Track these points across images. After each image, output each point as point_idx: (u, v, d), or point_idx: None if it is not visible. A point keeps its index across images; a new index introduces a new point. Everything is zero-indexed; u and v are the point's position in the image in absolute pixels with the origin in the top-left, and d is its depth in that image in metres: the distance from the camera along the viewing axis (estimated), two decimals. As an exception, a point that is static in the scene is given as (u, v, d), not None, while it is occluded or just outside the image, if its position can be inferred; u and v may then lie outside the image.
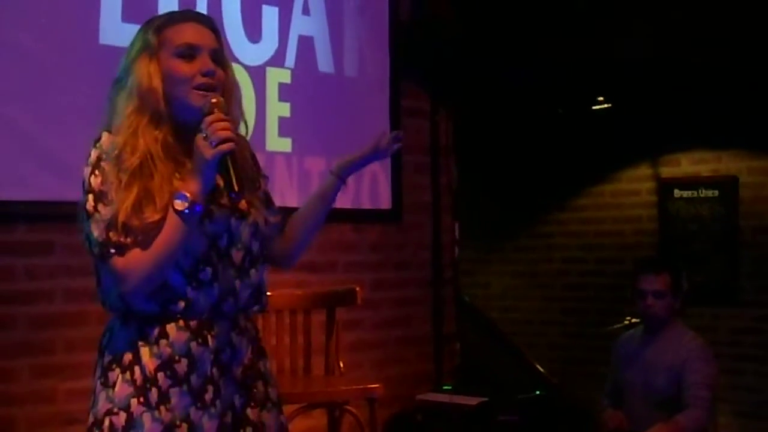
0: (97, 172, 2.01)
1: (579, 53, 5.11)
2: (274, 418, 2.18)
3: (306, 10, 4.45)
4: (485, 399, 4.34)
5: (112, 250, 1.96)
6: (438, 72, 4.90)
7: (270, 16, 4.33)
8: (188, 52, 2.06)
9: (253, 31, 4.26)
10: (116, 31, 3.74)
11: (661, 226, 6.35)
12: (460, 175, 5.14)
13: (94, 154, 2.04)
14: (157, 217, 1.97)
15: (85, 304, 3.68)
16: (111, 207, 1.96)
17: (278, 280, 4.36)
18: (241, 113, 2.18)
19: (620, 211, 6.61)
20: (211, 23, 2.15)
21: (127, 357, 2.04)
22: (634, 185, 6.54)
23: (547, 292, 6.87)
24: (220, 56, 2.11)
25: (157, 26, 2.12)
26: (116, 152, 2.01)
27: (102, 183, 1.99)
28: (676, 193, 6.28)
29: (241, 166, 2.03)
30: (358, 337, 4.60)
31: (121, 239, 1.95)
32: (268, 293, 2.23)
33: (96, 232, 1.97)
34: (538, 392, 4.66)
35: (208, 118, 1.97)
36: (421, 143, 5.03)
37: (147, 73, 2.05)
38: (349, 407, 3.81)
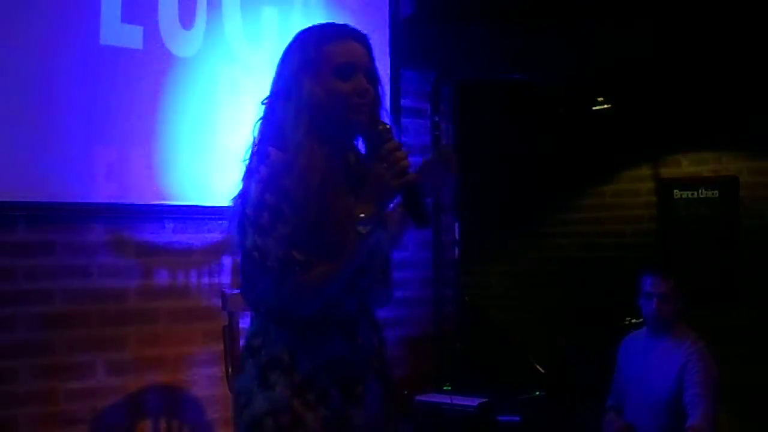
0: (273, 188, 2.03)
1: (579, 53, 5.10)
2: (396, 410, 2.35)
3: (306, 11, 4.45)
4: (486, 399, 4.33)
5: (297, 268, 2.01)
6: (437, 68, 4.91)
7: (269, 16, 4.33)
8: (346, 72, 2.11)
9: (252, 32, 4.26)
10: (116, 31, 3.75)
11: (661, 227, 6.34)
12: (460, 175, 5.14)
13: (265, 170, 2.05)
14: (335, 237, 2.03)
15: (86, 304, 3.68)
16: (290, 224, 2.01)
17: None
18: None
19: (620, 211, 6.61)
20: (366, 41, 2.20)
21: (285, 359, 2.11)
22: (635, 185, 6.54)
23: (548, 292, 6.87)
24: (373, 74, 2.18)
25: (317, 42, 2.15)
26: (297, 171, 2.04)
27: (280, 200, 2.02)
28: (676, 193, 6.27)
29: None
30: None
31: (305, 258, 2.01)
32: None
33: (276, 249, 2.01)
34: (538, 393, 4.66)
35: (388, 146, 2.06)
36: (421, 143, 5.03)
37: (315, 92, 2.09)
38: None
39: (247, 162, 2.12)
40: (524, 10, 4.82)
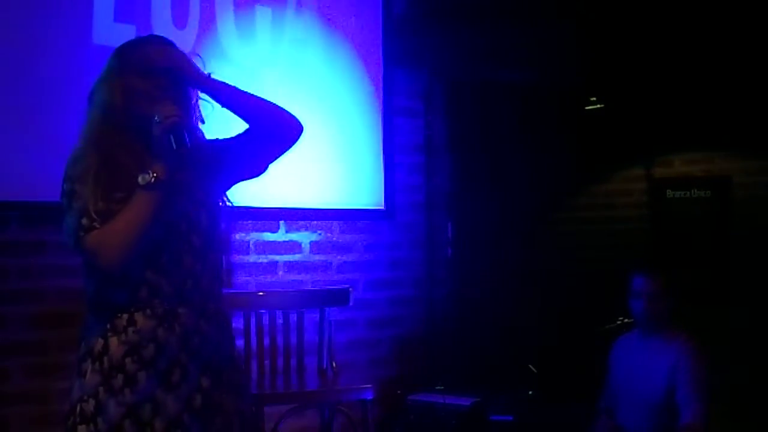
0: (66, 176, 2.27)
1: (572, 53, 5.11)
2: (243, 404, 2.35)
3: (299, 11, 4.46)
4: (478, 399, 4.34)
5: (81, 233, 2.14)
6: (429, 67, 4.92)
7: (263, 16, 4.33)
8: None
9: (245, 32, 4.26)
10: (109, 31, 3.75)
11: (653, 226, 6.35)
12: (453, 174, 5.15)
13: (66, 164, 2.32)
14: (123, 198, 2.17)
15: (78, 303, 3.67)
16: (82, 199, 2.17)
17: (273, 280, 4.37)
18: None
19: (613, 211, 6.62)
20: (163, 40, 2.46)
21: (98, 347, 2.19)
22: (627, 185, 6.55)
23: (540, 292, 6.87)
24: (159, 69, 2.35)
25: (118, 50, 2.40)
26: (81, 156, 2.29)
27: (72, 184, 2.23)
28: (669, 193, 6.28)
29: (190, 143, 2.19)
30: (351, 337, 4.61)
31: (89, 222, 2.14)
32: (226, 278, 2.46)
33: (73, 222, 2.17)
34: (531, 392, 4.66)
35: (157, 106, 2.20)
36: (414, 143, 5.04)
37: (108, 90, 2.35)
38: (341, 407, 3.81)
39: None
40: (517, 10, 4.82)
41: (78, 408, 2.17)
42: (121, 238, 2.13)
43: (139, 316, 2.19)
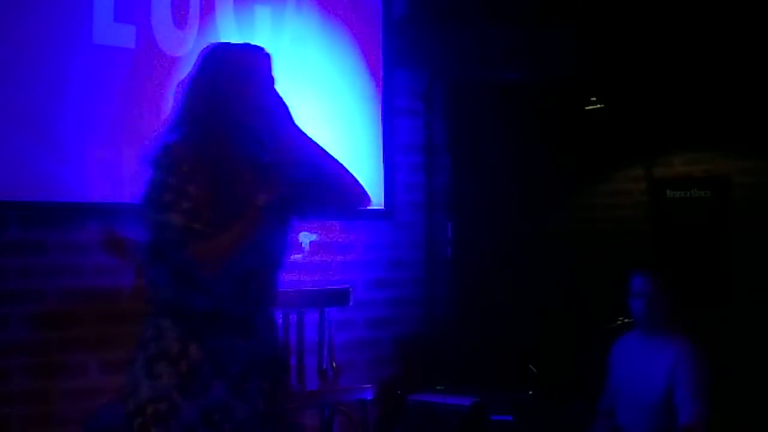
0: (176, 172, 2.22)
1: (572, 52, 5.11)
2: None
3: (299, 11, 4.46)
4: (478, 399, 4.34)
5: (191, 236, 2.15)
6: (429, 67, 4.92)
7: (262, 15, 4.33)
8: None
9: (245, 32, 4.26)
10: (109, 31, 3.75)
11: (653, 226, 6.35)
12: (453, 174, 5.15)
13: (166, 158, 2.25)
14: (234, 215, 2.20)
15: (79, 304, 3.68)
16: (193, 201, 2.17)
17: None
18: None
19: (612, 211, 6.61)
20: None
21: (175, 350, 2.24)
22: (627, 185, 6.54)
23: (540, 292, 6.87)
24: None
25: (226, 58, 2.40)
26: (197, 158, 2.25)
27: (184, 182, 2.19)
28: (669, 193, 6.27)
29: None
30: (351, 337, 4.61)
31: (203, 228, 2.16)
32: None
33: (177, 221, 2.16)
34: (531, 392, 4.66)
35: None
36: (414, 143, 5.03)
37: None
38: (341, 407, 3.81)
39: (147, 156, 2.28)
40: (518, 10, 4.83)
41: (149, 409, 2.21)
42: (231, 251, 2.18)
43: (218, 323, 2.26)
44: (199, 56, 2.38)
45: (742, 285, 5.86)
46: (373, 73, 4.81)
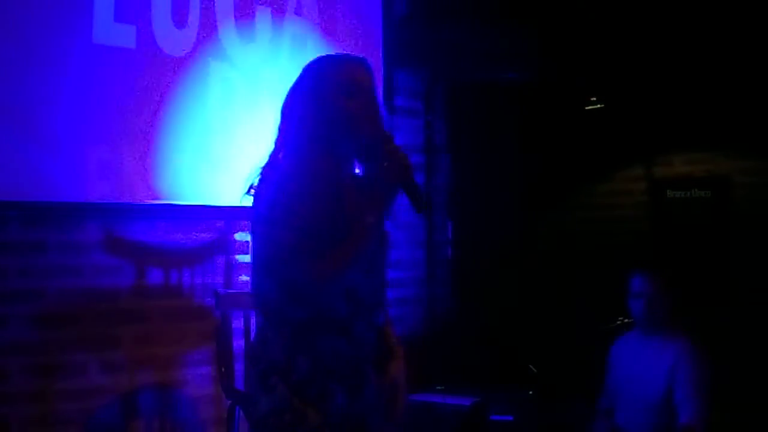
0: (285, 190, 2.30)
1: (572, 52, 5.11)
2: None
3: (299, 11, 4.46)
4: (478, 399, 4.34)
5: (307, 256, 2.20)
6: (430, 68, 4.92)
7: (262, 16, 4.33)
8: (351, 91, 2.42)
9: (245, 32, 4.26)
10: (109, 30, 3.75)
11: (653, 227, 6.35)
12: (453, 174, 5.15)
13: (277, 175, 2.36)
14: (343, 231, 2.25)
15: (78, 304, 3.68)
16: (303, 219, 2.24)
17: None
18: None
19: (612, 211, 6.61)
20: (365, 62, 2.56)
21: (282, 362, 2.27)
22: (627, 185, 6.54)
23: (540, 292, 6.87)
24: (373, 91, 2.52)
25: (325, 67, 2.53)
26: (306, 175, 2.34)
27: (292, 200, 2.27)
28: (669, 193, 6.27)
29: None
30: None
31: (316, 245, 2.20)
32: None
33: (289, 239, 2.21)
34: (531, 392, 4.66)
35: (389, 147, 2.32)
36: (414, 143, 5.03)
37: (324, 110, 2.41)
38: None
39: (261, 170, 2.36)
40: (518, 10, 4.83)
41: (274, 419, 2.25)
42: (341, 268, 2.24)
43: (320, 330, 2.29)
44: (303, 71, 2.47)
45: (742, 285, 5.86)
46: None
